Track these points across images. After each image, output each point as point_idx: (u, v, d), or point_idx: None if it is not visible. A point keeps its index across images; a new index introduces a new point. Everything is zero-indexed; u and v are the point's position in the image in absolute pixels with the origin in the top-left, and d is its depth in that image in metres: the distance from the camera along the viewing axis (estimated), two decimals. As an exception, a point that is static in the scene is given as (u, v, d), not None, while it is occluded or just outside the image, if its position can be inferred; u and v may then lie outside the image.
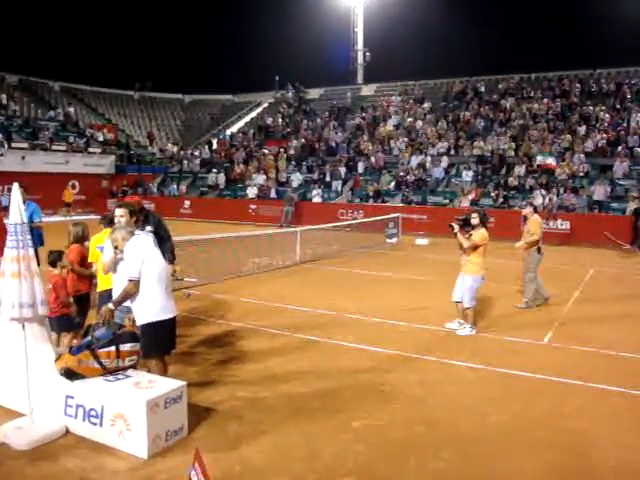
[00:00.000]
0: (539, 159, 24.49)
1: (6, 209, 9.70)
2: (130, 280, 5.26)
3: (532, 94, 31.12)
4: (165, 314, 5.37)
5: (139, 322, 5.33)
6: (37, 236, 9.62)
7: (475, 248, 8.43)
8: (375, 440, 5.08)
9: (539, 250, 10.21)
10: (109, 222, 7.02)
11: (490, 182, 24.94)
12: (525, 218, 10.78)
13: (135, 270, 5.27)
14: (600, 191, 22.03)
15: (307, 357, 7.37)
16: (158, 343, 5.40)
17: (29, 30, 46.47)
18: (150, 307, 5.31)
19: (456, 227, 8.57)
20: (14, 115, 34.16)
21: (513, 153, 26.14)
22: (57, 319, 6.65)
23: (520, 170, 24.62)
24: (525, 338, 8.31)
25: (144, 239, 5.50)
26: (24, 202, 9.04)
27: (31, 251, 4.96)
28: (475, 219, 8.56)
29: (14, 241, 4.87)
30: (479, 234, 8.44)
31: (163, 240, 7.26)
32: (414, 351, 7.63)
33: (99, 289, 6.67)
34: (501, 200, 23.09)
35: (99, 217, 7.59)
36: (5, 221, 7.46)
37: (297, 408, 5.71)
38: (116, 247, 5.48)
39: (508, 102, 30.70)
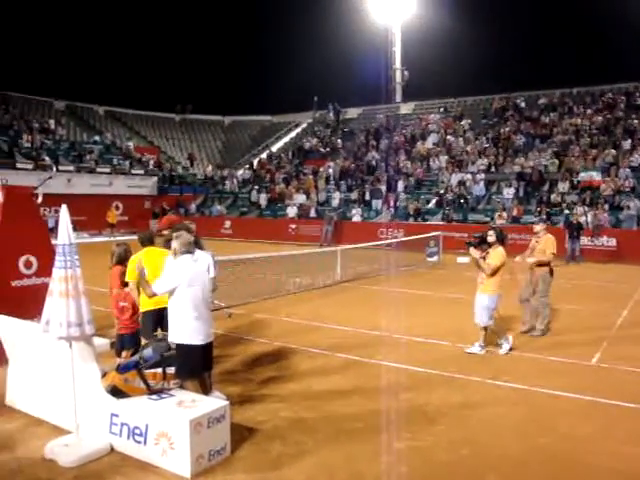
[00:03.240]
0: (582, 176, 24.06)
1: (52, 230, 9.97)
2: (153, 291, 5.35)
3: (574, 109, 30.65)
4: (197, 339, 5.38)
5: (173, 340, 5.39)
6: None
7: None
8: (419, 462, 5.00)
9: (551, 272, 9.53)
10: (146, 241, 7.14)
11: (532, 199, 24.57)
12: (536, 234, 9.83)
13: (161, 286, 5.35)
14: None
15: (348, 377, 7.33)
16: (188, 365, 5.38)
17: (75, 58, 48.04)
18: (182, 329, 5.36)
19: (472, 251, 8.33)
20: (61, 139, 35.27)
21: (555, 169, 25.72)
22: (132, 335, 6.79)
23: (563, 186, 24.21)
24: (571, 358, 8.10)
25: (191, 260, 5.52)
26: None
27: (78, 271, 5.05)
28: (492, 237, 8.29)
29: (62, 261, 4.97)
30: (497, 255, 8.13)
31: None
32: (456, 371, 7.51)
33: (142, 309, 6.76)
34: (544, 217, 22.65)
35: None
36: (53, 242, 7.70)
37: (339, 428, 5.68)
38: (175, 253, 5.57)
39: (549, 117, 30.29)
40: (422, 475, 4.82)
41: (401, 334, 9.34)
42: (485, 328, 8.33)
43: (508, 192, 25.28)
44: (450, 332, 9.47)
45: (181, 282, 5.35)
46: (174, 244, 5.56)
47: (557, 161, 26.00)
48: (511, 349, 8.38)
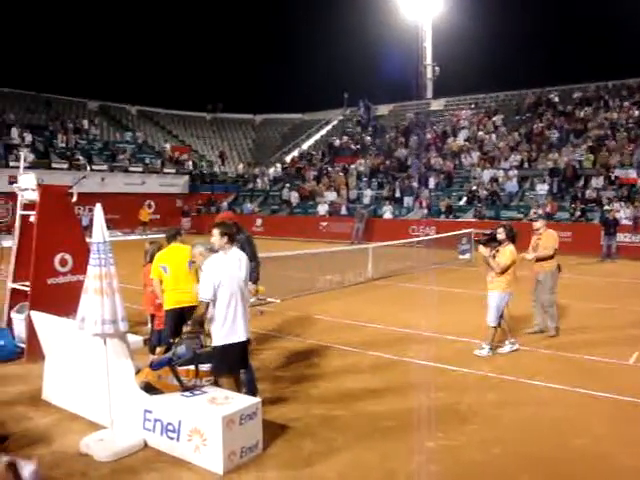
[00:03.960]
0: (619, 173, 23.55)
1: (86, 229, 10.12)
2: (200, 301, 5.33)
3: (610, 102, 30.01)
4: (233, 338, 5.39)
5: (213, 342, 5.42)
6: None
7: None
8: (451, 461, 4.96)
9: (559, 268, 9.24)
10: (171, 237, 7.20)
11: (566, 195, 24.15)
12: (537, 231, 9.54)
13: (207, 291, 5.30)
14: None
15: (380, 375, 7.30)
16: (226, 364, 5.43)
17: (108, 59, 48.86)
18: (219, 330, 5.38)
19: (481, 249, 8.13)
20: (94, 139, 35.84)
21: (590, 165, 25.23)
22: None
23: (598, 182, 23.73)
24: (608, 358, 7.92)
25: (223, 259, 5.50)
26: None
27: (113, 269, 5.11)
28: (501, 234, 8.08)
29: (97, 259, 5.02)
30: (507, 253, 7.94)
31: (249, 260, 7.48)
32: (489, 370, 7.43)
33: (167, 307, 6.82)
34: (578, 213, 22.30)
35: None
36: (87, 240, 7.81)
37: (371, 426, 5.66)
38: (193, 262, 5.60)
39: (584, 112, 29.72)
40: (454, 474, 4.78)
41: (433, 332, 9.26)
42: (494, 327, 8.12)
43: (542, 188, 24.89)
44: (482, 330, 9.31)
45: (220, 280, 5.37)
46: (195, 252, 5.59)
47: (592, 156, 25.49)
48: (515, 350, 8.19)
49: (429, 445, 5.25)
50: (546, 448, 5.21)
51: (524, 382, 6.98)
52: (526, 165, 27.20)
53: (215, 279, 5.33)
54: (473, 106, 36.57)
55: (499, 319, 8.12)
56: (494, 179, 26.50)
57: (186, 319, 6.32)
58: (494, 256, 8.02)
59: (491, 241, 8.21)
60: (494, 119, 32.55)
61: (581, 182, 24.68)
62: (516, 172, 26.54)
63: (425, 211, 26.12)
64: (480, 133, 31.27)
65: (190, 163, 37.26)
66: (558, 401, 6.42)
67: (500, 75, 40.78)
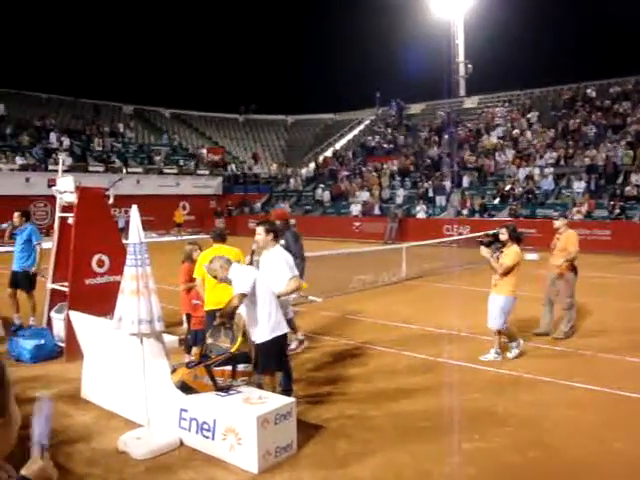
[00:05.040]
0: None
1: (122, 230, 10.28)
2: (239, 294, 5.33)
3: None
4: (279, 330, 5.53)
5: (257, 340, 5.45)
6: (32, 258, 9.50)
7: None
8: (487, 464, 4.89)
9: (575, 271, 8.92)
10: (216, 237, 7.26)
11: (604, 192, 23.64)
12: (557, 230, 9.20)
13: (247, 284, 5.35)
14: None
15: (415, 375, 7.25)
16: (273, 359, 5.55)
17: (142, 64, 49.58)
18: (265, 325, 5.45)
19: (483, 250, 7.76)
20: (130, 142, 36.42)
21: (630, 161, 24.64)
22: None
23: (638, 179, 23.17)
24: (649, 359, 7.72)
25: (265, 255, 5.80)
26: (22, 225, 9.61)
27: (149, 269, 5.18)
28: (504, 235, 7.75)
29: (133, 259, 5.10)
30: (511, 254, 7.61)
31: (294, 257, 7.62)
32: (526, 370, 7.30)
33: (206, 308, 6.86)
34: (618, 211, 21.80)
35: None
36: (124, 241, 7.94)
37: (406, 427, 5.62)
38: (215, 277, 5.61)
39: (622, 106, 29.06)
40: (490, 477, 4.72)
41: (467, 332, 9.15)
42: (499, 332, 7.80)
43: (579, 186, 24.38)
44: (520, 331, 9.17)
45: (256, 276, 5.47)
46: (216, 266, 5.64)
47: (631, 152, 24.88)
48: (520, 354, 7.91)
49: (464, 446, 5.18)
50: (585, 452, 5.09)
51: (561, 383, 6.84)
52: (562, 162, 26.71)
53: (255, 274, 5.48)
54: (507, 104, 36.06)
55: (504, 323, 7.76)
56: (529, 177, 26.09)
57: None
58: (498, 257, 7.74)
59: (494, 242, 7.94)
60: (528, 116, 32.06)
61: (620, 179, 24.14)
62: (552, 169, 26.08)
63: (459, 210, 25.85)
64: (515, 131, 30.80)
65: (220, 164, 37.55)
66: (597, 403, 6.28)
67: (534, 71, 40.19)
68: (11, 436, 1.31)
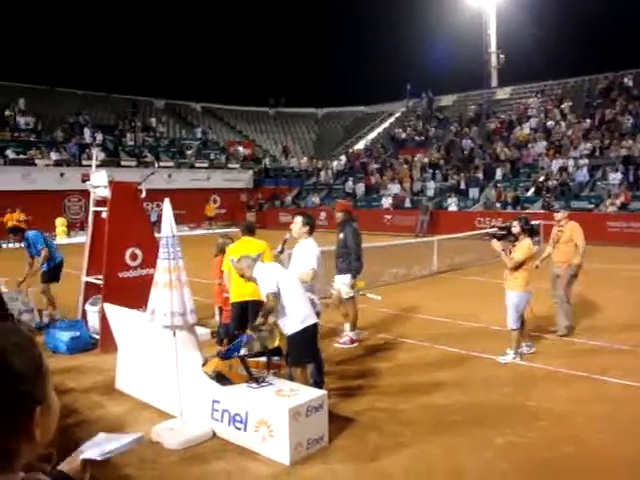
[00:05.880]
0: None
1: (154, 224, 10.40)
2: (268, 293, 5.38)
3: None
4: (310, 320, 5.55)
5: (288, 332, 5.47)
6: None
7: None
8: (520, 459, 4.83)
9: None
10: (245, 230, 7.29)
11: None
12: (558, 222, 8.98)
13: (271, 284, 5.40)
14: None
15: (447, 369, 7.20)
16: (305, 350, 5.59)
17: (173, 59, 50.03)
18: (295, 316, 5.48)
19: (494, 243, 7.57)
20: (161, 136, 36.75)
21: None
22: None
23: (676, 170, 22.62)
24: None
25: (296, 248, 5.99)
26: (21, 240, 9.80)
27: (181, 262, 5.23)
28: (516, 227, 7.53)
29: (166, 252, 5.15)
30: (522, 248, 7.37)
31: (347, 254, 7.68)
32: (560, 365, 7.20)
33: (232, 300, 6.89)
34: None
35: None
36: (156, 235, 8.03)
37: (438, 421, 5.59)
38: (242, 276, 5.66)
39: (661, 96, 28.35)
40: (523, 472, 4.66)
41: (500, 326, 9.02)
42: (516, 330, 7.49)
43: (614, 177, 23.85)
44: (551, 324, 9.05)
45: (279, 274, 5.55)
46: (243, 265, 5.68)
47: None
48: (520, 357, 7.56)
49: (497, 441, 5.13)
50: (622, 449, 4.98)
51: (597, 378, 6.72)
52: (597, 153, 26.16)
53: (277, 272, 5.57)
54: (540, 94, 35.42)
55: (519, 321, 7.53)
56: (563, 168, 25.61)
57: (249, 313, 6.45)
58: (510, 251, 7.50)
59: (506, 236, 7.75)
60: (562, 106, 31.45)
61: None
62: (587, 161, 25.57)
63: (494, 202, 25.50)
64: (550, 123, 30.23)
65: (250, 157, 37.63)
66: (635, 400, 6.15)
67: (568, 60, 39.38)
68: (51, 425, 1.32)
